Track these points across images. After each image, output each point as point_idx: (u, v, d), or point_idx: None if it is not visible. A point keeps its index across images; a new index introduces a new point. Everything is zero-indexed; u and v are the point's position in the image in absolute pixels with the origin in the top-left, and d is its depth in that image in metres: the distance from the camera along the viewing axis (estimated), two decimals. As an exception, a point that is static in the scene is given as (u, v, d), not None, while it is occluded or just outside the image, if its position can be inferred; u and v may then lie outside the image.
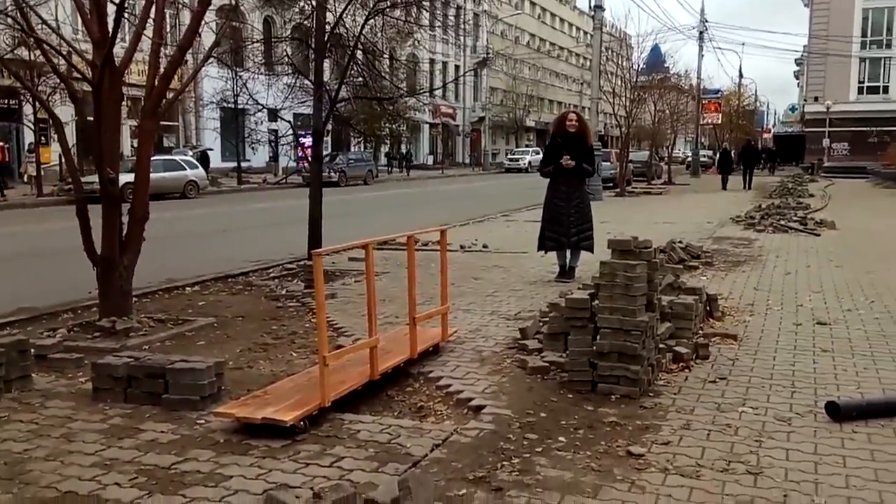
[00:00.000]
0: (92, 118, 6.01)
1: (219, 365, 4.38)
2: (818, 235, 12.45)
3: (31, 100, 20.51)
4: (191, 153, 29.21)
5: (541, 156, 10.11)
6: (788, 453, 3.53)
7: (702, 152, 48.16)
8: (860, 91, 48.16)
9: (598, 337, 4.39)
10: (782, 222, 13.90)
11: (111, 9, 5.97)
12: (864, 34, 47.40)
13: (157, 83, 6.17)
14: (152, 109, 6.24)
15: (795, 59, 67.34)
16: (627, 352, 4.28)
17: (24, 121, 25.75)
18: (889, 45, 46.91)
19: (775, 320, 6.25)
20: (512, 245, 11.05)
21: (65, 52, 6.91)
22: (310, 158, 10.16)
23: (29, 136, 24.97)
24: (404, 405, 4.41)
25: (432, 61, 49.82)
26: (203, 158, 28.79)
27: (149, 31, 6.14)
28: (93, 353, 5.04)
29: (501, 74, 62.07)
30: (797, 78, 74.51)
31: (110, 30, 5.86)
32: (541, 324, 5.57)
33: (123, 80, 6.10)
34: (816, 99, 48.29)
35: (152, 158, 6.87)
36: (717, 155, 39.99)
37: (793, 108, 68.02)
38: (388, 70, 13.92)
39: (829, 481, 3.22)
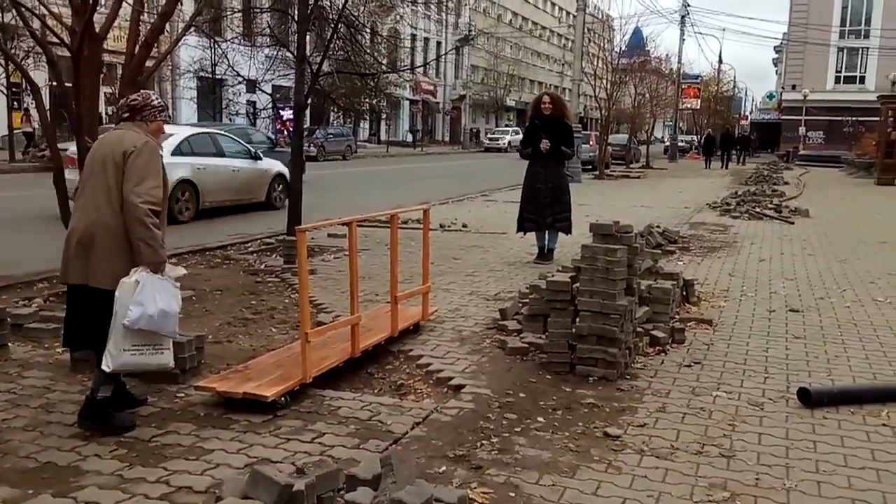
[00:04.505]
0: (69, 84, 5.90)
1: (199, 339, 4.38)
2: (792, 223, 12.61)
3: (1, 62, 20.00)
4: None
5: (520, 136, 10.10)
6: (761, 437, 3.61)
7: (680, 137, 48.44)
8: (837, 80, 48.55)
9: (577, 319, 4.45)
10: (757, 209, 14.07)
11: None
12: (843, 23, 47.70)
13: (137, 51, 6.07)
14: (132, 78, 6.12)
15: (774, 47, 67.69)
16: (606, 335, 4.33)
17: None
18: (867, 35, 47.24)
19: (749, 306, 6.36)
20: (491, 225, 11.08)
21: (41, 16, 6.76)
22: (290, 132, 10.08)
23: (-1, 100, 24.28)
24: (385, 383, 4.44)
25: (414, 37, 49.35)
26: None
27: (129, -1, 6.03)
28: (70, 324, 4.97)
29: (483, 53, 61.68)
30: (776, 65, 74.97)
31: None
32: (520, 305, 5.62)
33: (102, 47, 5.99)
34: (794, 87, 48.63)
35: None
36: (702, 139, 41.88)
37: (770, 96, 68.36)
38: (370, 44, 13.76)
39: (800, 465, 3.31)
